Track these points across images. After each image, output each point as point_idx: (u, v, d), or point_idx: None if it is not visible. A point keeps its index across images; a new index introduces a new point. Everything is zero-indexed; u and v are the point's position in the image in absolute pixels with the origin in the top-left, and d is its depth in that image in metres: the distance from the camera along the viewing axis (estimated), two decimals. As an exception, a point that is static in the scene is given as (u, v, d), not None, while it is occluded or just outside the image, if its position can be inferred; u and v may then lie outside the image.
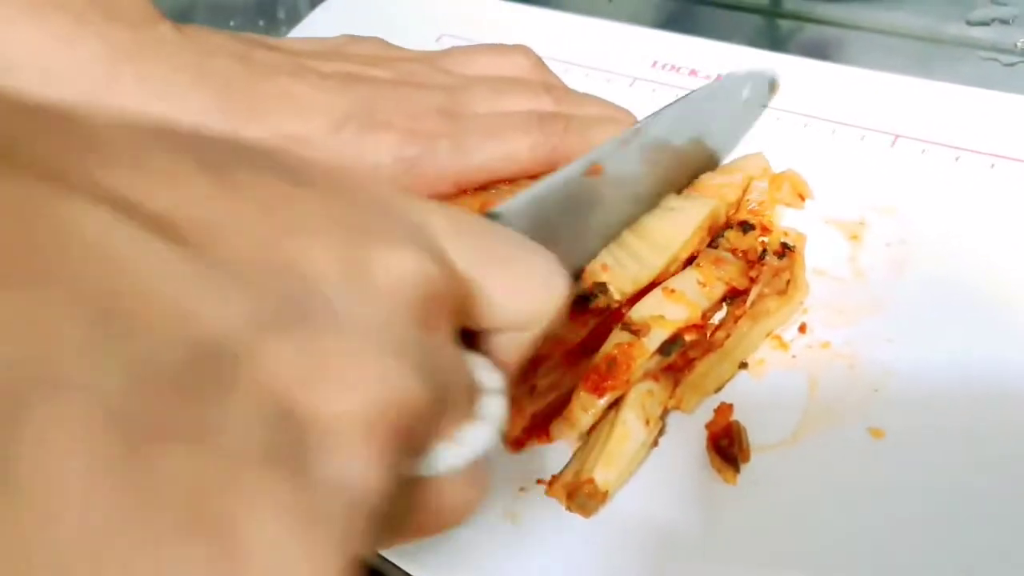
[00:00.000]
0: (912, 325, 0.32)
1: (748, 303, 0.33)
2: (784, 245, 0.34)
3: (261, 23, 0.62)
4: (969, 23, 0.45)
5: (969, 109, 0.39)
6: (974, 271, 0.33)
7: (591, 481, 0.28)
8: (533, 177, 0.34)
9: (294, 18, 0.60)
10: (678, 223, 0.33)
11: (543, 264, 0.19)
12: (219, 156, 0.14)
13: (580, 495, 0.28)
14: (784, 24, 0.48)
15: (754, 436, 0.30)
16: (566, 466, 0.30)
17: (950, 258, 0.34)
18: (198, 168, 0.13)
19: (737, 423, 0.30)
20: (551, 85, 0.38)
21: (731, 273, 0.33)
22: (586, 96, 0.38)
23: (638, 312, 0.31)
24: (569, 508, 0.29)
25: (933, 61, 0.43)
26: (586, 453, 0.30)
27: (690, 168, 0.36)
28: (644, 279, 0.32)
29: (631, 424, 0.29)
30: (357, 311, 0.13)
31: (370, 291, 0.14)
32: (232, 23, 0.62)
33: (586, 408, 0.29)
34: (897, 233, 0.35)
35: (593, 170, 0.29)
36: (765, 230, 0.35)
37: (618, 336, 0.30)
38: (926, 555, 0.26)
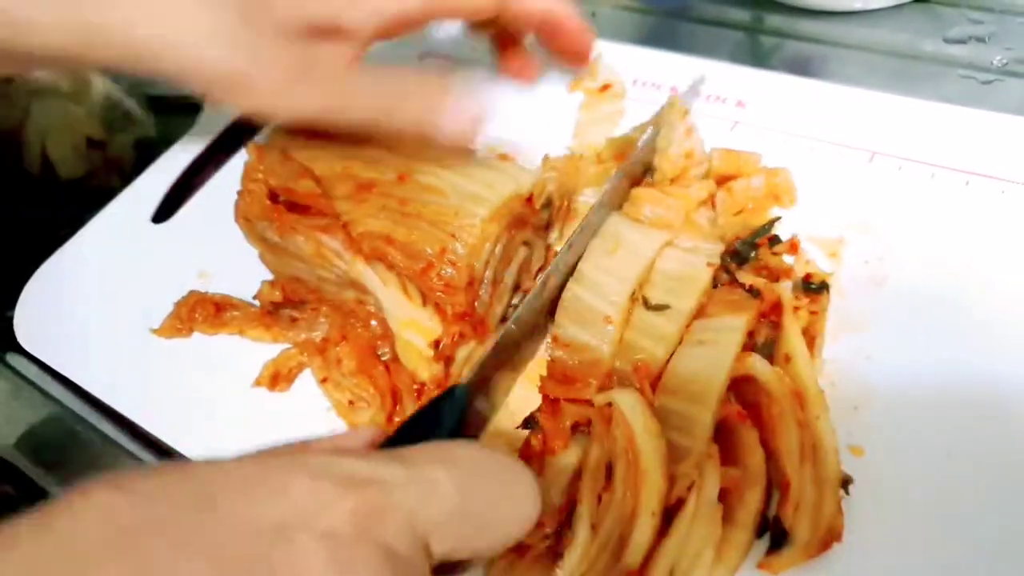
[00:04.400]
0: (891, 342, 0.32)
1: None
2: (809, 284, 0.34)
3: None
4: (947, 41, 0.45)
5: (945, 126, 0.39)
6: (951, 287, 0.33)
7: None
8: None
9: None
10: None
11: (522, 498, 0.21)
12: None
13: None
14: (765, 40, 0.48)
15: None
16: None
17: (927, 275, 0.34)
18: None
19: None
20: None
21: (749, 316, 0.32)
22: None
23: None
24: None
25: (911, 78, 0.44)
26: (688, 555, 0.27)
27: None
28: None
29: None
30: None
31: None
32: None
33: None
34: (875, 250, 0.35)
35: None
36: (793, 248, 0.35)
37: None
38: (904, 569, 0.27)
